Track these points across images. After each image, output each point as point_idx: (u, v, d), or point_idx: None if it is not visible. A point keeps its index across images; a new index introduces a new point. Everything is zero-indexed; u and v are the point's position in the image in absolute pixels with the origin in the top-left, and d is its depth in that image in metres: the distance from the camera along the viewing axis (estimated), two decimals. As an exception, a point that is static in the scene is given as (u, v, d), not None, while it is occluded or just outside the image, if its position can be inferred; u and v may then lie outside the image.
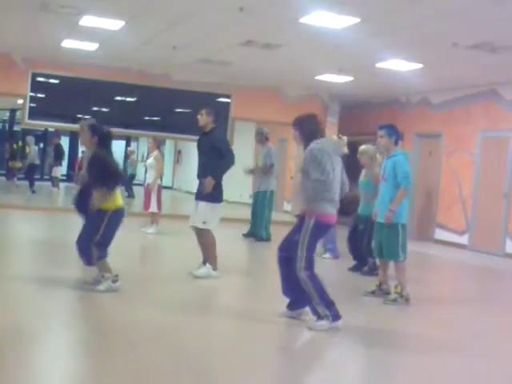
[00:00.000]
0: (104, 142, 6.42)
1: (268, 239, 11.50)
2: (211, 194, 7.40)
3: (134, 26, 10.35)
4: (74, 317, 5.77)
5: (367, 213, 8.43)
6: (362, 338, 5.71)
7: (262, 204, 11.62)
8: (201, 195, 7.47)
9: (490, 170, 12.91)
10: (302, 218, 5.73)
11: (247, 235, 11.77)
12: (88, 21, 10.16)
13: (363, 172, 8.95)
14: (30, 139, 19.84)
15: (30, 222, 12.77)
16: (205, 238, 7.57)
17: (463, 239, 13.32)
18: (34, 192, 18.19)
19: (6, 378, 3.97)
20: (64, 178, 24.02)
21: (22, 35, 11.93)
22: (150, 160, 11.76)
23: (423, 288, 8.50)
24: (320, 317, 5.63)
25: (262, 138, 11.72)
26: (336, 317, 5.63)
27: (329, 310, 5.62)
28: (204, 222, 7.44)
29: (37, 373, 4.24)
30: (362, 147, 8.92)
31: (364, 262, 8.92)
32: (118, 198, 6.48)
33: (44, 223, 12.84)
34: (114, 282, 6.43)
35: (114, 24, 10.25)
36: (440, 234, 13.95)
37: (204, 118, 7.59)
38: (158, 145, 12.17)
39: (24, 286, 6.57)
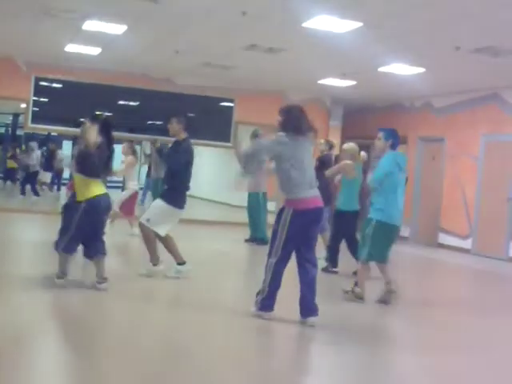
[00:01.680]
0: (104, 129, 6.54)
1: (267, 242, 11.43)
2: (172, 196, 7.42)
3: (136, 31, 10.37)
4: (67, 317, 5.79)
5: (350, 208, 8.73)
6: (353, 338, 5.70)
7: (256, 207, 11.54)
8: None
9: (493, 174, 12.89)
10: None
11: (250, 240, 11.71)
12: (91, 25, 10.18)
13: None
14: (34, 145, 19.71)
15: (25, 224, 12.82)
16: (145, 234, 7.52)
17: (467, 243, 13.29)
18: (28, 194, 18.28)
19: (5, 379, 3.97)
20: (65, 182, 24.03)
21: (26, 40, 11.96)
22: (122, 166, 11.37)
23: (425, 292, 8.49)
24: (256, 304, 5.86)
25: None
26: (267, 307, 5.82)
27: (267, 299, 5.79)
28: (148, 220, 7.41)
29: (35, 374, 4.24)
30: (345, 145, 9.13)
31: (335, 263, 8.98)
32: (94, 187, 6.48)
33: (39, 226, 12.82)
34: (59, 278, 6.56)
35: (117, 28, 10.26)
36: (443, 239, 13.92)
37: (174, 127, 7.59)
38: (134, 149, 11.86)
39: (22, 287, 6.58)
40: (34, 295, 6.31)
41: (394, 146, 7.02)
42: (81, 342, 4.99)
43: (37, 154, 19.27)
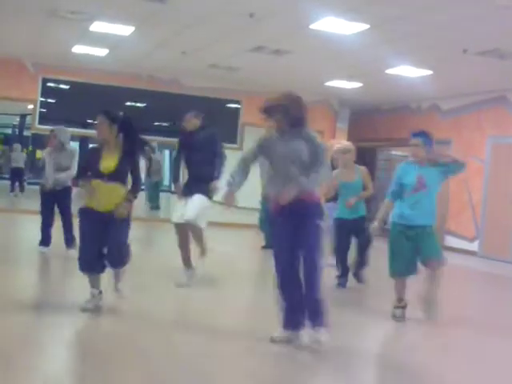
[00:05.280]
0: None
1: None
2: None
3: (143, 32, 10.38)
4: (78, 328, 5.61)
5: (356, 215, 7.99)
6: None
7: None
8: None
9: (499, 176, 12.86)
10: (292, 208, 4.97)
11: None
12: (98, 26, 10.21)
13: (344, 172, 7.99)
14: (17, 145, 20.41)
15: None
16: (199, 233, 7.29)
17: (473, 246, 13.25)
18: (15, 193, 18.88)
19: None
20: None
21: (33, 41, 11.99)
22: None
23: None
24: (322, 325, 4.97)
25: None
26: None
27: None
28: (196, 218, 7.10)
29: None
30: (347, 145, 8.29)
31: (347, 273, 8.14)
32: None
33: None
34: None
35: (124, 30, 10.29)
36: (450, 241, 13.88)
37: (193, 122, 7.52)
38: None
39: (27, 296, 6.53)
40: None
41: (429, 151, 6.32)
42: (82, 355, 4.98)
43: (18, 154, 19.79)
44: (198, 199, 7.12)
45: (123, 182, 5.72)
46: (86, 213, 5.70)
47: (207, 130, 7.56)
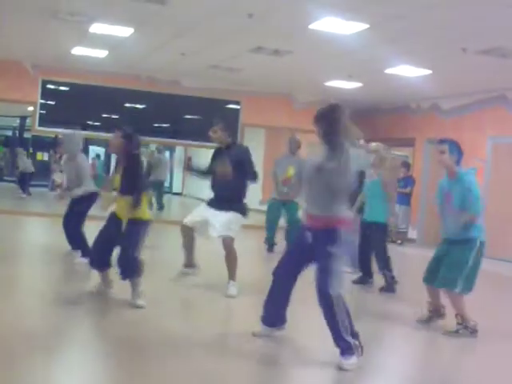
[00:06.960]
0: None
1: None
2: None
3: (143, 33, 10.39)
4: (94, 329, 5.56)
5: (374, 218, 7.88)
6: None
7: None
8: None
9: (501, 176, 12.83)
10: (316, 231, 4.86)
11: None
12: (98, 28, 10.21)
13: (370, 172, 8.00)
14: (20, 151, 20.57)
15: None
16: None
17: (474, 246, 13.22)
18: (29, 194, 19.18)
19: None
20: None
21: (33, 43, 11.99)
22: None
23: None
24: (348, 350, 4.70)
25: (295, 146, 10.73)
26: (362, 349, 4.80)
27: (357, 339, 4.78)
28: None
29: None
30: (373, 144, 7.87)
31: (369, 274, 8.17)
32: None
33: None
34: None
35: (124, 31, 10.29)
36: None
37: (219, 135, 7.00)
38: None
39: (41, 296, 6.51)
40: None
41: (458, 162, 6.10)
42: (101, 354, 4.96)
43: (24, 160, 20.02)
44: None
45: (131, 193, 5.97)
46: (110, 216, 6.17)
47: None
